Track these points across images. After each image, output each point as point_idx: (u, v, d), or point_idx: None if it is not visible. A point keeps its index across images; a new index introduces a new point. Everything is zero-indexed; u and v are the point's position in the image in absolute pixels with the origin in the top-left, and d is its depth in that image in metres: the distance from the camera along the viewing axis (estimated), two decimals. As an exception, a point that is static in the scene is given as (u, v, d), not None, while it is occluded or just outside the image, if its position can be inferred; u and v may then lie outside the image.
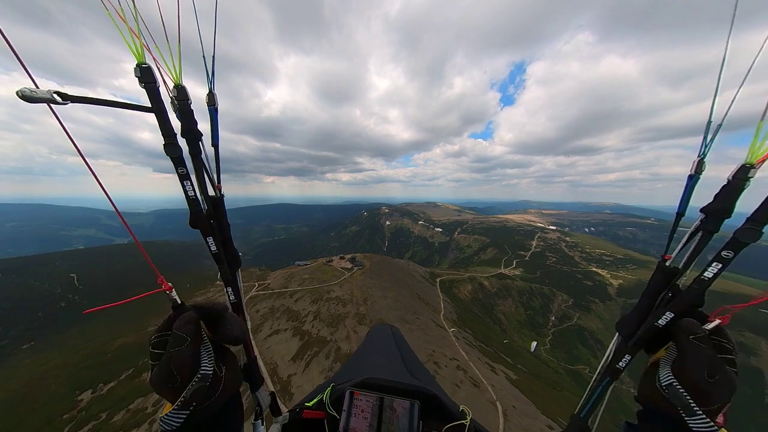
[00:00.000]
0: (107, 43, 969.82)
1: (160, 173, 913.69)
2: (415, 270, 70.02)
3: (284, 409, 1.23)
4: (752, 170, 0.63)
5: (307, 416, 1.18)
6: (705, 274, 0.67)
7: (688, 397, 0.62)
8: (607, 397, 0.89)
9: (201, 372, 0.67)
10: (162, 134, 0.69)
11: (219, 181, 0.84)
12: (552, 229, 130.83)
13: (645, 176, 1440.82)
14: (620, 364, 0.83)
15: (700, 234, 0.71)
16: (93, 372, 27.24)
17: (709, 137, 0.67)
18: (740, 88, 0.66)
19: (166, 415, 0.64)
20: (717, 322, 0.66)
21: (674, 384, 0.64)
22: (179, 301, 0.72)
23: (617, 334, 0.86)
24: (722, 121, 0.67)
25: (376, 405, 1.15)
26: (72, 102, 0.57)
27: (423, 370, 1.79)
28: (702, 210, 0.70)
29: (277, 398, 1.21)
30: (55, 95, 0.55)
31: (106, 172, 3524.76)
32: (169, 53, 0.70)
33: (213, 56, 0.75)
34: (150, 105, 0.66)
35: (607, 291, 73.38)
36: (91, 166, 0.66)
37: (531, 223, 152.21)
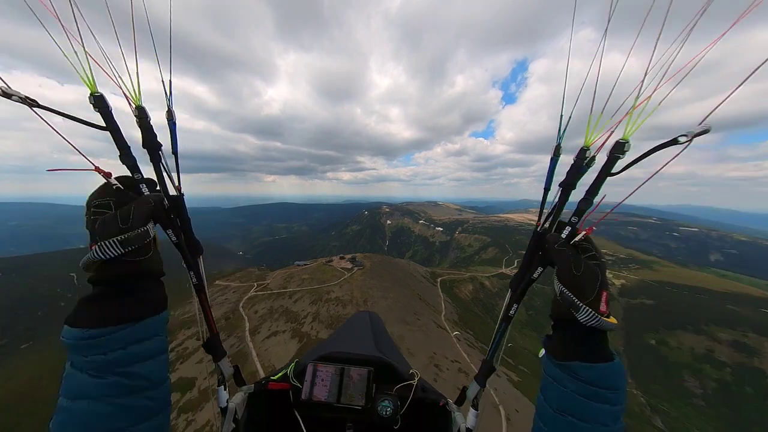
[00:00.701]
0: (108, 44, 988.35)
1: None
2: (416, 270, 69.82)
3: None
4: (588, 152, 0.80)
5: (273, 387, 1.31)
6: (562, 234, 0.85)
7: (571, 296, 0.75)
8: (505, 340, 1.09)
9: (146, 228, 0.78)
10: (117, 147, 0.80)
11: (179, 183, 0.94)
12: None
13: (647, 175, 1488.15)
14: (511, 312, 1.04)
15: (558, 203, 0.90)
16: (91, 373, 27.11)
17: (562, 128, 0.85)
18: (581, 90, 0.83)
19: (104, 243, 0.69)
20: (583, 233, 0.82)
21: (562, 289, 0.78)
22: (122, 187, 0.81)
23: (509, 289, 1.05)
24: (570, 115, 0.85)
25: (336, 374, 1.29)
26: (39, 108, 0.68)
27: (393, 348, 1.89)
28: (559, 185, 0.86)
29: (241, 371, 1.24)
30: (27, 98, 0.66)
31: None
32: (128, 77, 0.80)
33: (170, 80, 0.85)
34: (104, 125, 0.78)
35: (610, 291, 72.97)
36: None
37: (532, 222, 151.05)
